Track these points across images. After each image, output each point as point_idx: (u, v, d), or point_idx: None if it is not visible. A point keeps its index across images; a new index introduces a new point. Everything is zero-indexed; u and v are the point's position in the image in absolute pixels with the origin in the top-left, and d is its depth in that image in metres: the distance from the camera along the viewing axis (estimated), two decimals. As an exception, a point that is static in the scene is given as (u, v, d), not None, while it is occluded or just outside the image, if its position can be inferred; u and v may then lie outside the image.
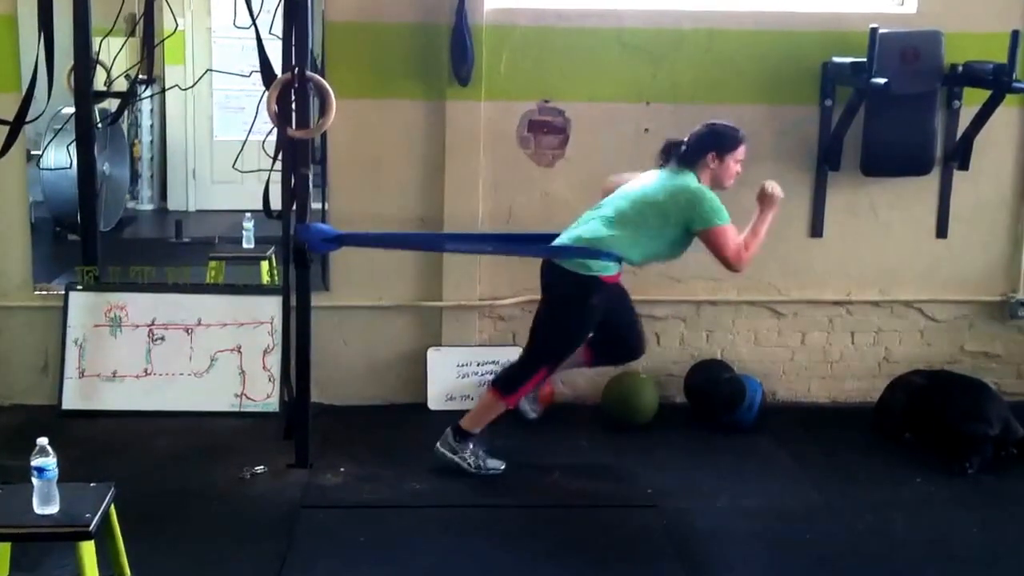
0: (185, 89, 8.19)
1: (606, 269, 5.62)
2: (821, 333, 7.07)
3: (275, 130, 5.83)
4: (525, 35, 6.60)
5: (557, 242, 5.77)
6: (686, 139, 5.68)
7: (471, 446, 5.88)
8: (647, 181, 5.69)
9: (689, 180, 5.57)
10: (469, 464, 5.87)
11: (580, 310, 5.71)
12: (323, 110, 5.80)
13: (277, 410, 6.55)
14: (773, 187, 5.68)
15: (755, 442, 6.48)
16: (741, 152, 5.65)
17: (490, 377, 6.32)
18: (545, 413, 6.59)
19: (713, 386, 6.74)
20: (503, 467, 5.91)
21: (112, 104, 7.53)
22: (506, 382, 5.86)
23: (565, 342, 5.85)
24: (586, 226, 5.68)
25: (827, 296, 7.01)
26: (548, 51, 6.64)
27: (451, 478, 5.85)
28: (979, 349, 7.14)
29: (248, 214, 7.49)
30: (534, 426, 6.27)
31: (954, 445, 6.15)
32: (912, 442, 6.42)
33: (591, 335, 5.92)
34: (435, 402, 6.85)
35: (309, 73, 5.73)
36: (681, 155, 5.66)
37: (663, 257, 5.77)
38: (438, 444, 5.91)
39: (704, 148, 5.61)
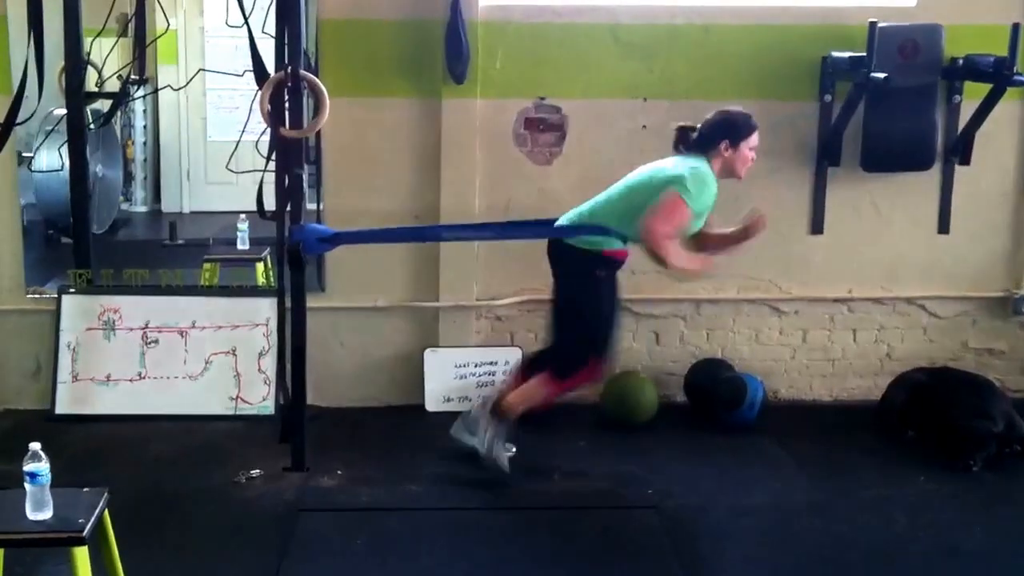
0: (178, 89, 8.19)
1: (611, 244, 5.57)
2: (822, 331, 7.03)
3: (269, 130, 5.78)
4: (520, 32, 6.56)
5: (562, 221, 5.73)
6: (698, 126, 5.61)
7: (497, 427, 5.80)
8: (664, 163, 5.60)
9: (701, 164, 5.50)
10: (482, 444, 5.78)
11: (591, 284, 5.66)
12: (317, 109, 5.77)
13: (273, 413, 6.50)
14: (760, 226, 5.59)
15: (757, 441, 6.43)
16: (754, 139, 5.58)
17: (490, 376, 6.28)
18: (544, 414, 6.52)
19: (714, 385, 6.69)
20: (507, 469, 5.84)
21: (104, 105, 7.49)
22: (561, 366, 5.77)
23: (595, 320, 5.74)
24: (591, 203, 5.67)
25: (828, 293, 6.96)
26: (543, 48, 6.61)
27: (449, 480, 5.83)
28: (982, 346, 7.10)
29: (243, 215, 7.46)
30: (532, 427, 6.21)
31: (958, 443, 6.10)
32: (915, 440, 6.38)
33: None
34: (432, 403, 6.80)
35: (302, 72, 5.70)
36: (694, 142, 5.60)
37: None
38: (472, 409, 5.90)
39: (717, 136, 5.54)
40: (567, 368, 5.75)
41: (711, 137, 5.55)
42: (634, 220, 5.49)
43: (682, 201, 5.38)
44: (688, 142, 5.62)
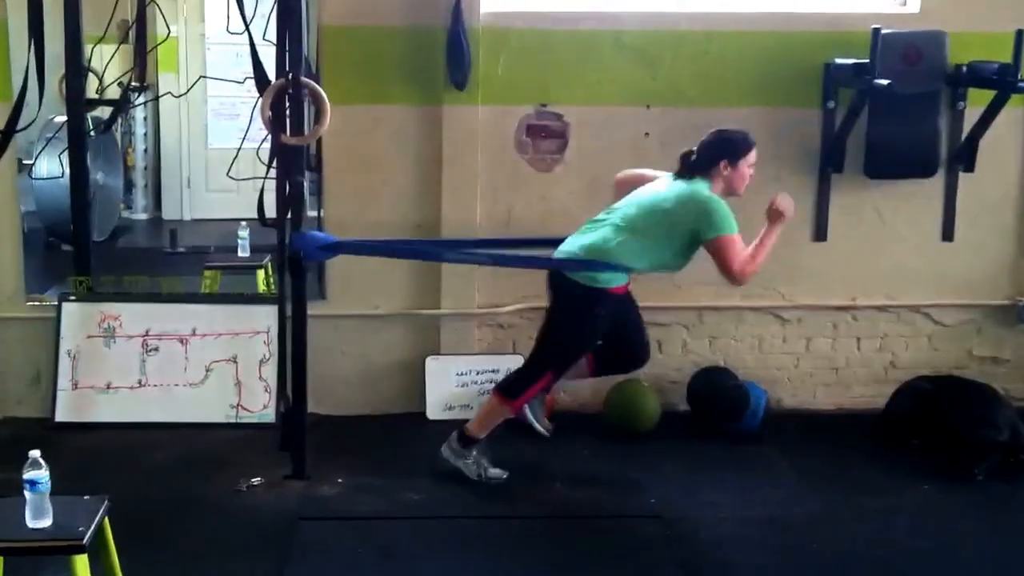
0: (178, 96, 8.17)
1: (613, 281, 5.57)
2: (826, 339, 6.99)
3: (269, 137, 5.76)
4: (522, 38, 6.54)
5: (564, 247, 5.71)
6: (695, 148, 5.59)
7: (474, 453, 5.83)
8: (659, 188, 5.60)
9: (701, 188, 5.48)
10: (471, 471, 5.82)
11: (586, 320, 5.65)
12: (318, 116, 5.75)
13: (273, 421, 6.47)
14: (784, 202, 5.55)
15: (760, 450, 6.40)
16: (752, 156, 5.57)
17: (491, 384, 6.27)
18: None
19: (716, 393, 6.67)
20: (505, 476, 5.85)
21: (105, 112, 7.48)
22: (510, 387, 5.81)
23: (570, 350, 5.80)
24: (594, 234, 5.61)
25: (832, 301, 6.93)
26: (545, 55, 6.58)
27: (450, 489, 5.79)
28: (987, 354, 7.06)
29: (243, 223, 7.45)
30: (535, 435, 6.18)
31: (962, 452, 6.08)
32: (920, 449, 6.34)
33: (598, 344, 5.85)
34: (434, 412, 6.77)
35: (303, 79, 5.68)
36: (692, 164, 5.57)
37: (669, 266, 5.69)
38: (443, 447, 5.89)
39: (716, 156, 5.52)
40: (518, 389, 5.79)
41: (710, 158, 5.54)
42: (647, 255, 5.55)
43: (730, 237, 5.38)
44: (688, 164, 5.60)
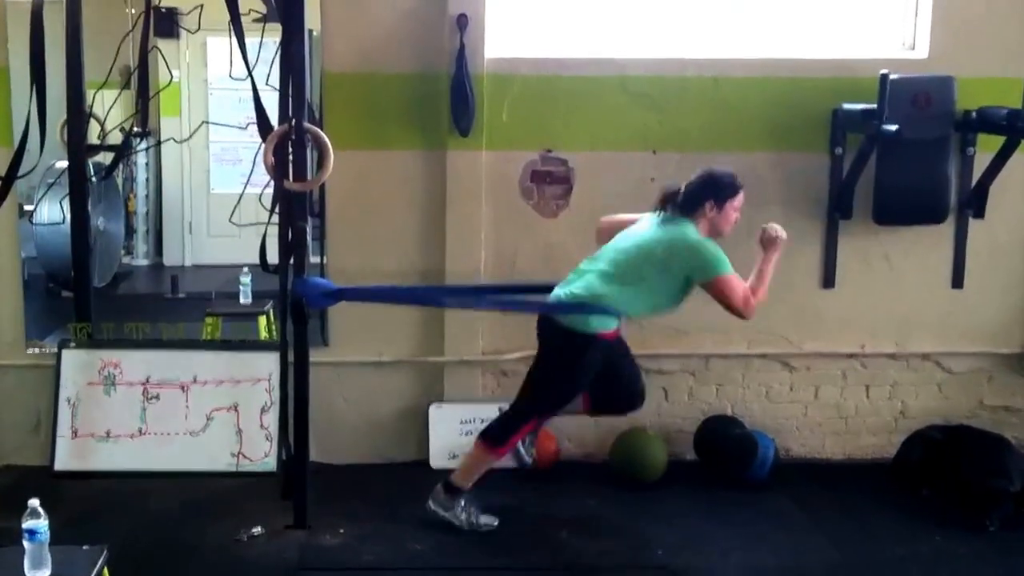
0: (181, 142, 8.13)
1: (605, 325, 5.55)
2: (835, 387, 6.95)
3: (272, 183, 5.73)
4: (526, 84, 6.52)
5: (553, 295, 5.69)
6: (683, 187, 5.57)
7: (463, 502, 5.80)
8: (642, 230, 5.62)
9: (687, 230, 5.50)
10: (461, 521, 5.79)
11: (576, 367, 5.65)
12: (321, 162, 5.74)
13: (275, 470, 6.42)
14: (775, 229, 5.62)
15: (768, 500, 6.35)
16: (739, 200, 5.59)
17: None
18: (551, 470, 6.48)
19: (724, 442, 6.63)
20: (496, 523, 5.83)
21: (106, 158, 7.45)
22: (495, 433, 5.80)
23: (558, 396, 5.79)
24: (582, 281, 5.61)
25: (840, 349, 6.88)
26: (550, 100, 6.57)
27: (454, 538, 5.74)
28: (998, 403, 7.01)
29: (245, 268, 7.44)
30: (539, 483, 6.15)
31: (974, 501, 6.04)
32: (930, 498, 6.31)
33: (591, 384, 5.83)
34: (437, 460, 6.71)
35: (306, 124, 5.68)
36: (679, 204, 5.57)
37: (664, 309, 5.69)
38: (429, 501, 5.85)
39: (702, 197, 5.54)
40: (504, 435, 5.80)
41: (696, 198, 5.55)
42: (641, 300, 5.56)
43: (726, 277, 5.41)
44: (673, 203, 5.60)
